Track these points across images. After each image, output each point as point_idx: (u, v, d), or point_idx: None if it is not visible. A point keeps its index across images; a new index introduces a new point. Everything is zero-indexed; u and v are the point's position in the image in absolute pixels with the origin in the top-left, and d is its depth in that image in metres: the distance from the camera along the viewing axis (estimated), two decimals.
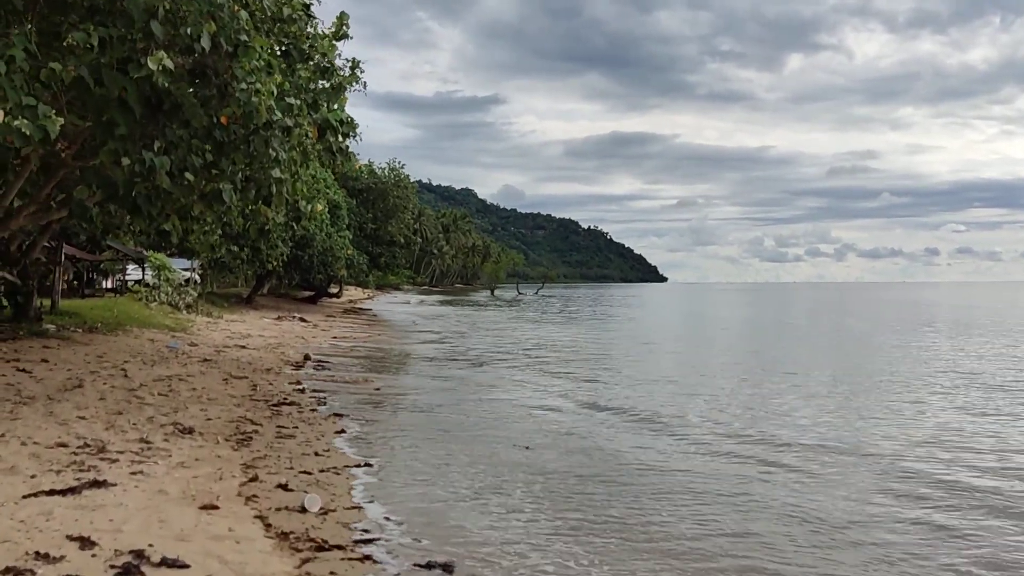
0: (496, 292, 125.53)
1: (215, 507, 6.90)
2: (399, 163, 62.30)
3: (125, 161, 10.10)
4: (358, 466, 9.14)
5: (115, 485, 7.15)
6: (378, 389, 16.00)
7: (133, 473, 7.67)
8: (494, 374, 19.97)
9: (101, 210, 14.36)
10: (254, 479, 8.04)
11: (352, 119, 13.50)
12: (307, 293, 53.30)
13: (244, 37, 10.19)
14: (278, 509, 7.13)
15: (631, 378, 19.39)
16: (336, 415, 12.54)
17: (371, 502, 7.72)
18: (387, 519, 7.22)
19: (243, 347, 21.75)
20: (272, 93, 10.84)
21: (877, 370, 21.51)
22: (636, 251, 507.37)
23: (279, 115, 11.13)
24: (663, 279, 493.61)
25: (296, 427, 11.22)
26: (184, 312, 28.40)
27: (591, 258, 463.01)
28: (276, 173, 11.69)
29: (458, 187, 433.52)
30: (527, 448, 10.90)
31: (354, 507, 7.50)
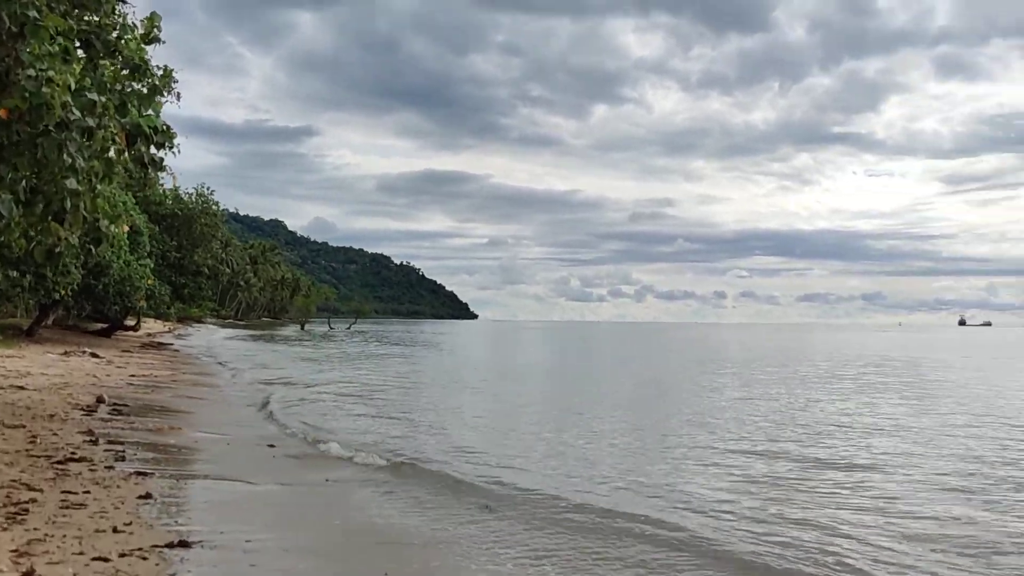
0: (307, 327, 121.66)
1: None
2: (208, 189, 58.68)
3: None
4: (171, 546, 7.34)
5: None
6: (204, 443, 13.91)
7: None
8: (318, 416, 18.26)
9: None
10: (29, 573, 6.15)
11: (169, 127, 11.62)
12: (100, 325, 48.55)
13: (34, 13, 8.28)
14: None
15: (464, 423, 18.28)
16: (139, 473, 10.51)
17: None
18: None
19: (21, 388, 18.72)
20: (69, 87, 8.92)
21: (675, 415, 21.35)
22: (448, 288, 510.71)
23: (77, 113, 9.19)
24: (474, 316, 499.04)
25: (88, 492, 9.17)
26: None
27: (403, 294, 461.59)
28: (71, 184, 9.63)
29: (267, 218, 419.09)
30: (488, 508, 9.60)
31: None
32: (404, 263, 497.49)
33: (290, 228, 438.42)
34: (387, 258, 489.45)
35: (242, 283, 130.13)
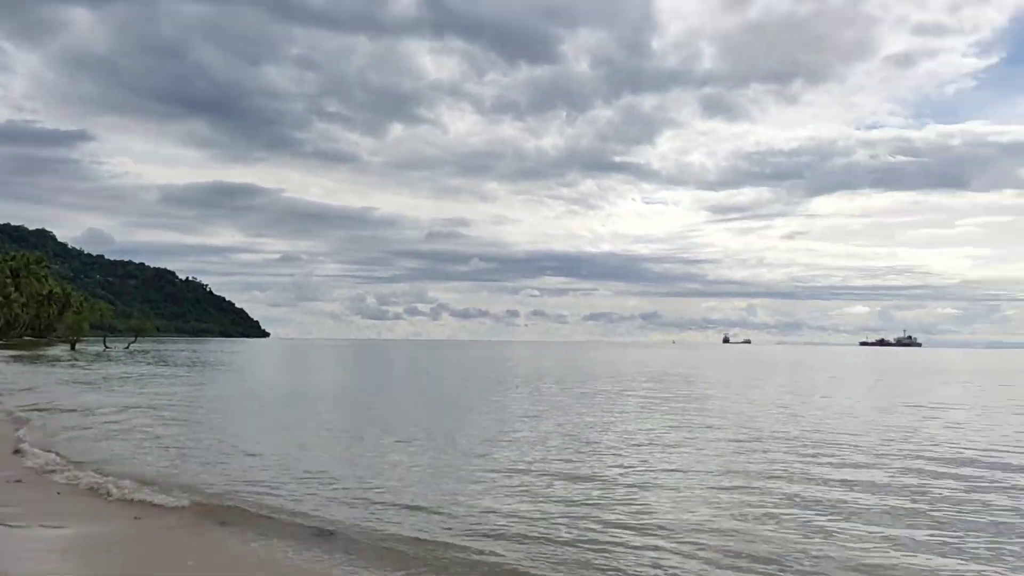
0: (78, 346, 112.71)
1: None
2: None
3: None
4: None
5: None
6: None
7: None
8: (91, 446, 17.05)
9: None
10: None
11: None
12: None
13: None
14: None
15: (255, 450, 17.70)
16: None
17: None
18: None
19: None
20: None
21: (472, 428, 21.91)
22: (237, 305, 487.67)
23: None
24: (265, 334, 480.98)
25: None
26: None
27: (189, 311, 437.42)
28: None
29: (32, 227, 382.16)
30: (331, 533, 9.74)
31: None
32: (190, 278, 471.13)
33: (60, 239, 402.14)
34: (171, 273, 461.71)
35: (1, 298, 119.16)
